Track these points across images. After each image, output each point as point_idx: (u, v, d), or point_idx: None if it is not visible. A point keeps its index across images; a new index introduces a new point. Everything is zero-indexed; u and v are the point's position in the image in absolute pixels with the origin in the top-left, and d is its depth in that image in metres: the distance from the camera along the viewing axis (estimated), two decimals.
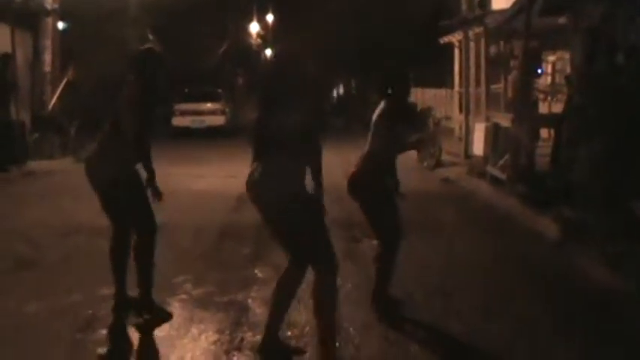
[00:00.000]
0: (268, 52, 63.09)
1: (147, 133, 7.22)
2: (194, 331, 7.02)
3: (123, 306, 7.51)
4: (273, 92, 6.06)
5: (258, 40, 65.14)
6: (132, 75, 7.40)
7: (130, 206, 7.31)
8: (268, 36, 65.57)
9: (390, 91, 7.61)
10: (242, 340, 6.76)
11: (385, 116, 7.54)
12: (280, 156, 5.89)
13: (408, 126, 7.68)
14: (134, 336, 7.02)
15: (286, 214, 5.90)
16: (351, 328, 7.07)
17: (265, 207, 5.97)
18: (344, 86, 75.53)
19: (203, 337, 6.84)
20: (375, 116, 7.60)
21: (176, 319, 7.37)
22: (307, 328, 6.99)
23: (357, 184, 7.48)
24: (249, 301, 7.85)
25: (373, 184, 7.46)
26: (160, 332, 7.01)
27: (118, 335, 7.04)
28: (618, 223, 10.15)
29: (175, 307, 7.77)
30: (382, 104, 7.63)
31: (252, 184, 5.98)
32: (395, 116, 7.50)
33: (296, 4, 48.72)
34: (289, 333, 6.81)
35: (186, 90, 37.24)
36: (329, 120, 41.95)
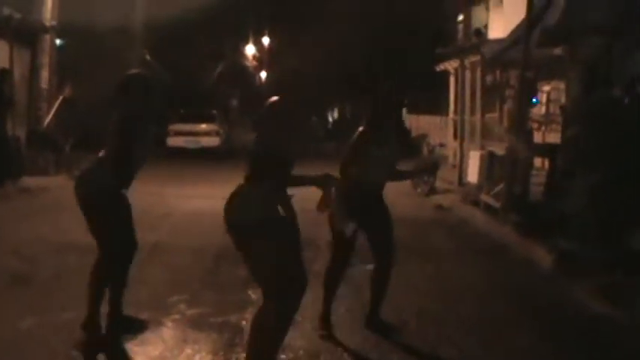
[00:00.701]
0: (263, 74, 63.33)
1: (130, 159, 7.22)
2: (188, 351, 7.02)
3: (117, 324, 7.54)
4: (263, 119, 6.08)
5: (254, 63, 65.29)
6: (118, 99, 7.43)
7: (101, 227, 7.29)
8: (264, 58, 65.73)
9: (376, 115, 7.66)
10: None
11: (358, 140, 7.59)
12: (256, 181, 5.89)
13: (387, 151, 7.64)
14: (128, 354, 7.01)
15: (250, 239, 5.82)
16: (345, 354, 7.10)
17: (230, 230, 5.94)
18: (339, 111, 75.66)
19: (197, 357, 6.85)
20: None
21: (170, 340, 7.37)
22: (301, 352, 7.02)
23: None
24: (244, 322, 7.84)
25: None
26: (154, 351, 7.01)
27: (112, 353, 7.05)
28: (612, 255, 10.19)
29: (169, 327, 7.76)
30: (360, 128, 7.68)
31: (225, 206, 5.96)
32: (370, 140, 7.54)
33: (292, 27, 48.86)
34: (283, 356, 6.82)
35: (181, 111, 37.36)
36: (322, 145, 41.90)
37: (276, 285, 5.74)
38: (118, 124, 7.25)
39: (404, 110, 41.62)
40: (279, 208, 5.85)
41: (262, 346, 5.86)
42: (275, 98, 6.10)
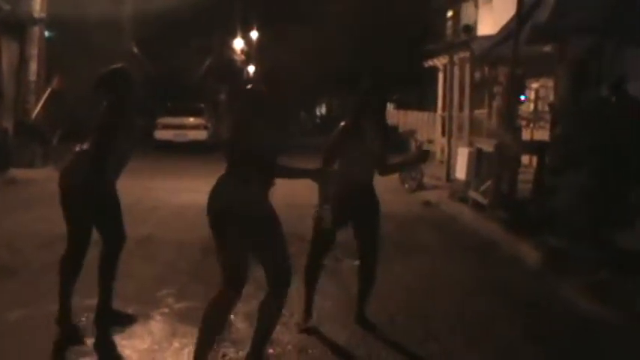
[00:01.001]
0: (251, 68, 63.22)
1: (110, 154, 7.20)
2: (176, 344, 7.03)
3: (108, 317, 7.57)
4: (242, 115, 6.07)
5: (242, 57, 65.19)
6: (101, 95, 7.42)
7: (76, 219, 7.29)
8: (252, 52, 65.63)
9: (356, 112, 7.68)
10: (224, 355, 6.78)
11: (337, 136, 7.62)
12: (235, 170, 5.90)
13: (367, 147, 7.62)
14: (116, 348, 7.01)
15: (227, 228, 5.87)
16: (332, 349, 7.11)
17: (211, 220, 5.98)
18: (327, 106, 75.71)
19: (186, 351, 6.84)
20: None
21: (158, 333, 7.39)
22: (289, 347, 7.03)
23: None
24: (232, 316, 7.82)
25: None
26: (142, 345, 7.02)
27: (99, 347, 7.04)
28: (601, 253, 10.22)
29: (158, 321, 7.78)
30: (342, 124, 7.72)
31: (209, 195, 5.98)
32: (347, 137, 7.56)
33: (281, 23, 48.82)
34: (271, 351, 6.83)
35: (168, 104, 37.31)
36: (310, 139, 41.92)
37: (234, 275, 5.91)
38: (99, 119, 7.25)
39: (391, 106, 41.79)
40: (258, 198, 5.88)
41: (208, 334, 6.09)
42: (249, 87, 6.12)
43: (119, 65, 7.72)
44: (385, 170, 7.93)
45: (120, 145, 7.25)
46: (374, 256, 7.75)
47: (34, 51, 25.14)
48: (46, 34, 26.53)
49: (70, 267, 7.31)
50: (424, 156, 8.77)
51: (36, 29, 25.06)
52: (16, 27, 24.08)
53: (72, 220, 7.30)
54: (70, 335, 7.17)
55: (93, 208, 7.26)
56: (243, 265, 5.94)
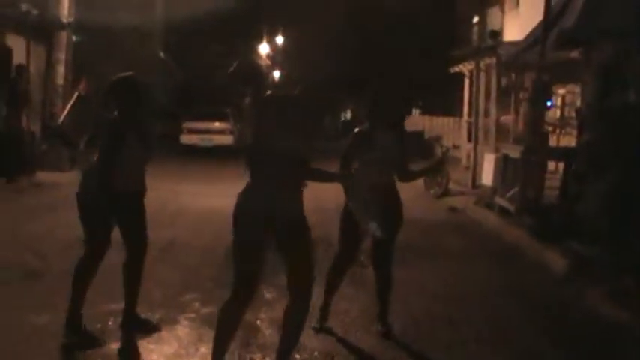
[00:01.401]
0: (277, 73, 63.33)
1: (117, 162, 7.19)
2: (203, 349, 7.02)
3: (136, 323, 7.60)
4: (264, 120, 6.09)
5: (268, 62, 65.29)
6: (111, 102, 7.44)
7: (87, 222, 7.32)
8: (277, 58, 65.73)
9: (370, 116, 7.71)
10: None
11: (350, 140, 7.65)
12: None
13: (380, 152, 7.60)
14: (143, 352, 7.04)
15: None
16: (359, 355, 7.12)
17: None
18: (352, 111, 75.71)
19: None
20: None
21: (185, 338, 7.40)
22: (316, 353, 7.03)
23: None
24: (258, 322, 7.86)
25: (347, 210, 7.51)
26: (169, 350, 7.04)
27: (125, 350, 7.07)
28: (626, 260, 10.16)
29: (184, 325, 7.80)
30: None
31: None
32: (359, 142, 7.58)
33: (306, 28, 48.84)
34: (298, 356, 6.83)
35: (194, 109, 37.42)
36: (334, 144, 41.87)
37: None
38: (106, 129, 7.27)
39: (417, 112, 41.74)
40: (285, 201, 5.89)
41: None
42: (270, 92, 6.16)
43: (129, 73, 7.71)
44: (405, 177, 7.88)
45: (132, 154, 7.25)
46: (389, 265, 7.74)
47: (61, 55, 25.26)
48: (74, 38, 26.64)
49: (85, 273, 7.34)
50: (440, 165, 8.76)
51: (64, 34, 25.17)
52: (44, 31, 24.19)
53: (89, 233, 7.33)
54: (82, 341, 7.19)
55: (109, 221, 7.30)
56: (256, 269, 5.94)
